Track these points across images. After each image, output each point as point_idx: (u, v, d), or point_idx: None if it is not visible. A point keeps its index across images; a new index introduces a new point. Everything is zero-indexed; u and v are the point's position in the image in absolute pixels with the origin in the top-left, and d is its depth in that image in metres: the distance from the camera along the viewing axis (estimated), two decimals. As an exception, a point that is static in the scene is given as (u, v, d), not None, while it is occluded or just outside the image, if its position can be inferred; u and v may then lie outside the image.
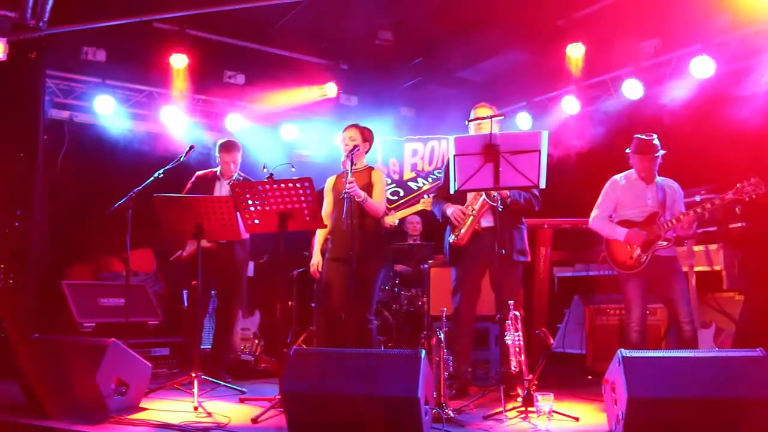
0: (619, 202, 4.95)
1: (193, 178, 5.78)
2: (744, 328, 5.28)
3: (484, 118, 4.55)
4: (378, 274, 4.85)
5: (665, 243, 4.70)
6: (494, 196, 4.48)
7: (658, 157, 4.80)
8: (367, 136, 4.97)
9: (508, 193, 4.58)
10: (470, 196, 4.79)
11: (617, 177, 5.01)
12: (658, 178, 4.89)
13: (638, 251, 4.72)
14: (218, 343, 5.72)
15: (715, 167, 5.10)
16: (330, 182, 5.10)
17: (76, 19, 6.06)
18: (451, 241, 4.81)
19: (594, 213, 5.03)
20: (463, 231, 4.74)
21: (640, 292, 4.77)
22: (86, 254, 7.35)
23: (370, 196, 4.79)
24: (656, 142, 4.80)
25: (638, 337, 4.76)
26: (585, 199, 7.25)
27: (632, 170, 4.94)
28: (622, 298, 5.00)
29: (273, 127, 8.51)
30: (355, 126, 4.98)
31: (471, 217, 4.72)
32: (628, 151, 4.89)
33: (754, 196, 4.40)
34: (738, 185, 4.45)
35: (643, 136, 4.82)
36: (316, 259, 5.02)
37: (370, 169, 5.02)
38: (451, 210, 4.80)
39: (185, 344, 6.23)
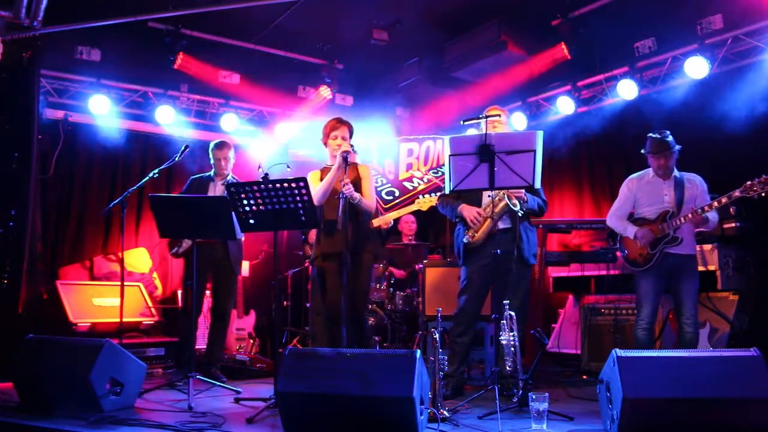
0: (636, 200, 4.98)
1: (188, 182, 5.82)
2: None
3: (479, 118, 4.55)
4: (368, 272, 4.82)
5: (675, 242, 4.70)
6: (515, 202, 4.47)
7: (673, 153, 4.80)
8: (352, 130, 4.92)
9: (526, 198, 4.58)
10: (486, 197, 4.76)
11: (634, 175, 5.04)
12: (678, 174, 4.88)
13: (647, 249, 4.75)
14: (213, 343, 5.70)
15: (710, 168, 5.11)
16: (315, 177, 4.91)
17: (71, 18, 6.03)
18: (465, 241, 4.76)
19: (611, 210, 5.10)
20: (479, 232, 4.71)
21: (651, 289, 4.77)
22: (81, 254, 7.33)
23: (360, 191, 4.74)
24: (669, 139, 4.80)
25: (646, 335, 4.76)
26: (580, 198, 7.27)
27: (650, 168, 4.95)
28: (616, 298, 5.00)
29: (268, 127, 8.49)
30: (343, 122, 4.88)
31: (489, 219, 4.70)
32: (643, 151, 4.90)
33: (763, 195, 4.35)
34: (748, 183, 4.40)
35: (656, 135, 4.83)
36: None
37: (355, 165, 4.93)
38: (467, 211, 4.76)
39: (180, 344, 6.23)
